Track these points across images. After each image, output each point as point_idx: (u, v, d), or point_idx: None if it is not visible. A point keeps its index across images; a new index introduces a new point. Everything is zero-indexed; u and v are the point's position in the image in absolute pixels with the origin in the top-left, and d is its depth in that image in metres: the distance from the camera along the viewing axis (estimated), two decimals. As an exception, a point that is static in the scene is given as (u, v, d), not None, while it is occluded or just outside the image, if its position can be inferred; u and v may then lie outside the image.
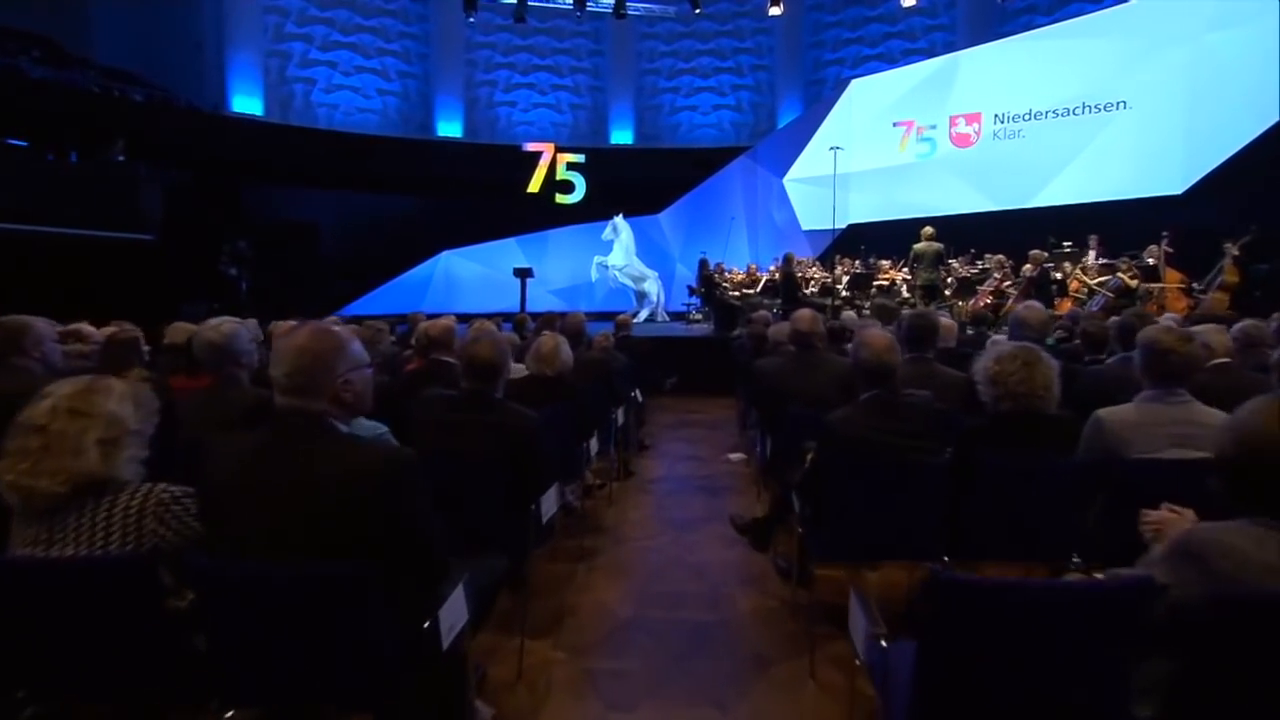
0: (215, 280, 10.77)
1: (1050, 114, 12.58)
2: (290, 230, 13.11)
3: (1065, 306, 9.55)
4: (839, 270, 11.75)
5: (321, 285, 13.08)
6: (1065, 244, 10.53)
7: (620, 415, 4.65)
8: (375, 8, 17.10)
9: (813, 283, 11.07)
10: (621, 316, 6.80)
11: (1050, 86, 12.48)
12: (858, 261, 11.77)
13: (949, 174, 13.70)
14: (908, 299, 10.92)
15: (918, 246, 10.17)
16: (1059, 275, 9.77)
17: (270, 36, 15.84)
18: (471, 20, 15.30)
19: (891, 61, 16.36)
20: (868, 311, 8.33)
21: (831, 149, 11.42)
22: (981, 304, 10.10)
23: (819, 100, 16.74)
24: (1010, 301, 9.36)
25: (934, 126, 13.98)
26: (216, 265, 10.77)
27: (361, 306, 13.56)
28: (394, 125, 17.21)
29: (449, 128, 17.53)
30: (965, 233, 11.63)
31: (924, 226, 10.36)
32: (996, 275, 9.92)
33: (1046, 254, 9.50)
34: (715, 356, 9.06)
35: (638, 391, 5.51)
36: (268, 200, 13.43)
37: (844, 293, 10.76)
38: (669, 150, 18.04)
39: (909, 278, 10.56)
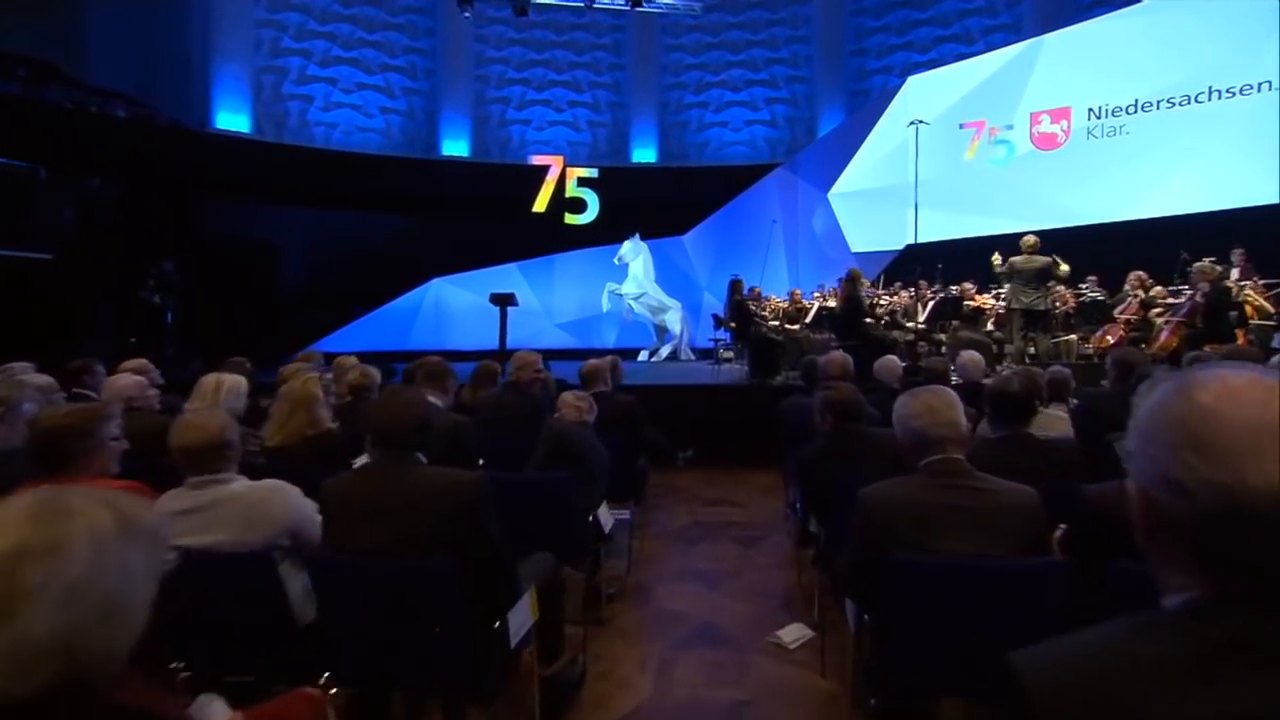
0: (136, 309, 8.30)
1: (1162, 104, 9.71)
2: (241, 252, 10.54)
3: (1240, 340, 6.49)
4: (905, 294, 8.76)
5: (280, 316, 10.49)
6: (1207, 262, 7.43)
7: (524, 615, 1.77)
8: (380, 21, 15.02)
9: (880, 308, 8.04)
10: (588, 365, 3.71)
11: (1160, 70, 9.64)
12: (936, 285, 8.67)
13: (1031, 182, 10.85)
14: (991, 331, 7.98)
15: (1017, 260, 7.19)
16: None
17: (265, 52, 13.90)
18: (467, 15, 12.85)
19: (944, 68, 13.41)
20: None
21: (911, 123, 8.53)
22: (1112, 337, 7.02)
23: (864, 108, 13.87)
24: (1167, 333, 6.26)
25: (1010, 127, 11.17)
26: (139, 292, 8.29)
27: (339, 341, 10.91)
28: (397, 145, 14.91)
29: (455, 147, 15.11)
30: (1053, 252, 8.59)
31: (1025, 235, 7.35)
32: (1138, 295, 6.82)
33: (1220, 268, 6.38)
34: (750, 409, 6.22)
35: (603, 514, 2.60)
36: (223, 219, 10.85)
37: (921, 324, 7.72)
38: (694, 168, 15.26)
39: (1008, 302, 7.46)
